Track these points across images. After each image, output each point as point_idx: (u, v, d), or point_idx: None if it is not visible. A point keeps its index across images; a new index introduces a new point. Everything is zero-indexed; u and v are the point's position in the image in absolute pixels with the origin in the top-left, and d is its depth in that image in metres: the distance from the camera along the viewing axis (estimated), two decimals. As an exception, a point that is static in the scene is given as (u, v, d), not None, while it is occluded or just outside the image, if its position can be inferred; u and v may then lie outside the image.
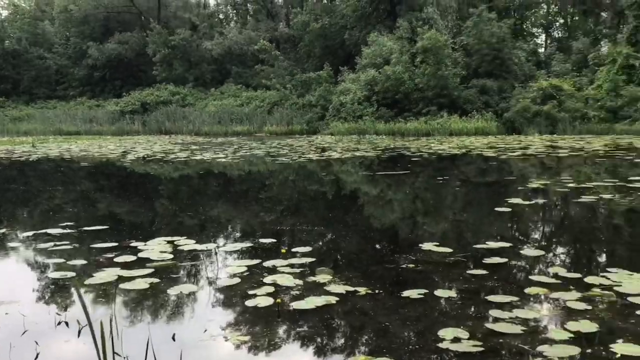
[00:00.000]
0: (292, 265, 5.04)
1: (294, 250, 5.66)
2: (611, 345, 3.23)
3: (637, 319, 3.63)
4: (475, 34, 32.30)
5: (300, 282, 4.54)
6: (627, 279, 4.41)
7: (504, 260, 5.12)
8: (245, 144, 25.45)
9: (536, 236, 6.68)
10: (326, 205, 9.58)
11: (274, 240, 6.17)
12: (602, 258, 5.67)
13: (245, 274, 4.83)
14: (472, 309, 3.93)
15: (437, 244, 5.75)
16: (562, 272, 4.71)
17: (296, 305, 4.01)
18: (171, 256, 5.43)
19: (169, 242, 6.00)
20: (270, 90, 39.79)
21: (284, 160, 16.52)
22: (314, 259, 5.30)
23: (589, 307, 3.83)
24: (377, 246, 6.28)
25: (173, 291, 4.40)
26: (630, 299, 3.98)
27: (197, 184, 12.73)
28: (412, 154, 17.93)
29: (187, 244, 5.91)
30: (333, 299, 4.10)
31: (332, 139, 28.18)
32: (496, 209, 7.86)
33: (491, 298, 4.09)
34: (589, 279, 4.44)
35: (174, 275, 4.85)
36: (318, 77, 36.58)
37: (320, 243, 6.31)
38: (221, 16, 59.75)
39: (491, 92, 31.08)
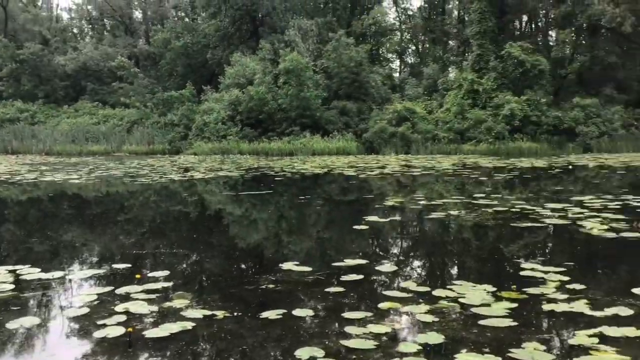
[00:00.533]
0: (147, 291, 4.84)
1: (151, 275, 5.45)
2: (455, 355, 3.43)
3: (479, 329, 3.88)
4: (335, 58, 33.38)
5: (155, 308, 4.37)
6: (471, 291, 4.71)
7: (361, 277, 5.28)
8: (102, 164, 24.25)
9: (391, 252, 6.97)
10: (189, 227, 9.36)
11: (130, 265, 5.91)
12: (449, 271, 6.04)
13: (95, 302, 4.56)
14: (329, 327, 4.00)
15: (298, 263, 5.81)
16: (413, 286, 4.94)
17: (150, 333, 3.84)
18: (12, 287, 5.00)
19: (10, 271, 5.53)
20: (130, 108, 38.35)
21: (144, 180, 15.94)
22: (171, 283, 5.14)
23: (437, 319, 4.05)
24: (239, 267, 6.23)
25: (12, 325, 4.05)
26: (473, 309, 4.26)
27: (47, 208, 11.90)
28: (275, 173, 18.07)
29: (31, 272, 5.48)
30: (189, 325, 3.98)
31: (195, 158, 27.68)
32: (355, 227, 8.10)
33: (347, 315, 4.19)
34: (437, 292, 4.69)
35: (15, 308, 4.47)
36: (180, 96, 35.83)
37: (180, 266, 6.13)
38: (75, 30, 56.71)
39: (351, 114, 32.22)
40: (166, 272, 5.52)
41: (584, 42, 32.38)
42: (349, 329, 3.88)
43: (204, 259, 6.57)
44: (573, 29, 32.13)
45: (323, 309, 4.40)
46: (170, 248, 7.18)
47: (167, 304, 4.49)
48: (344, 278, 5.23)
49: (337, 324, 4.03)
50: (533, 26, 37.66)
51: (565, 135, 28.33)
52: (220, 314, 4.22)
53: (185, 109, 34.37)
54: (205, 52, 40.82)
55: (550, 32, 37.12)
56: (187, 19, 48.34)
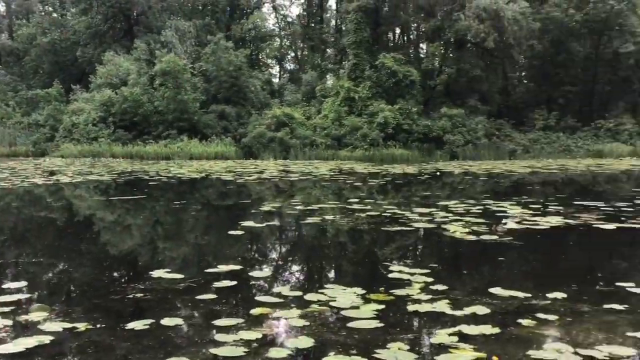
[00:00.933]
0: (1, 304, 4.48)
1: (5, 286, 5.06)
2: (323, 359, 3.48)
3: (348, 331, 3.97)
4: (213, 61, 33.01)
5: (9, 322, 4.06)
6: (342, 294, 4.81)
7: (234, 283, 5.23)
8: (-44, 166, 22.25)
9: (266, 257, 6.97)
10: (54, 234, 8.80)
11: (-18, 277, 5.45)
12: (322, 275, 6.14)
13: (-61, 319, 4.16)
14: (199, 336, 3.91)
15: (169, 270, 5.64)
16: (286, 291, 4.97)
17: (1, 349, 3.56)
18: None
19: None
20: (-11, 106, 35.60)
21: (4, 185, 14.81)
22: (30, 295, 4.80)
23: (307, 323, 4.09)
24: (106, 276, 5.94)
25: None
26: (343, 312, 4.35)
27: None
28: (150, 177, 17.50)
29: None
30: (47, 339, 3.73)
31: (62, 161, 26.12)
32: (230, 232, 8.01)
33: (218, 322, 4.12)
34: (309, 296, 4.75)
35: None
36: (47, 95, 33.77)
37: (42, 276, 5.74)
38: None
39: (230, 118, 31.99)
40: (23, 283, 5.15)
41: (451, 55, 34.36)
42: (219, 337, 3.82)
43: (68, 269, 6.21)
44: (442, 42, 34.03)
45: (194, 317, 4.31)
46: (31, 257, 6.71)
47: (24, 317, 4.19)
48: (217, 284, 5.15)
49: (207, 332, 3.96)
50: (405, 38, 39.42)
51: (434, 143, 29.91)
52: (82, 326, 4.00)
53: (52, 109, 32.45)
54: (75, 50, 38.83)
55: (421, 45, 39.10)
56: (55, 14, 45.71)
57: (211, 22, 38.90)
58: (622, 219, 8.85)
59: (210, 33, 36.31)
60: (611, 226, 8.16)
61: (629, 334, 3.89)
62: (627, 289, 5.00)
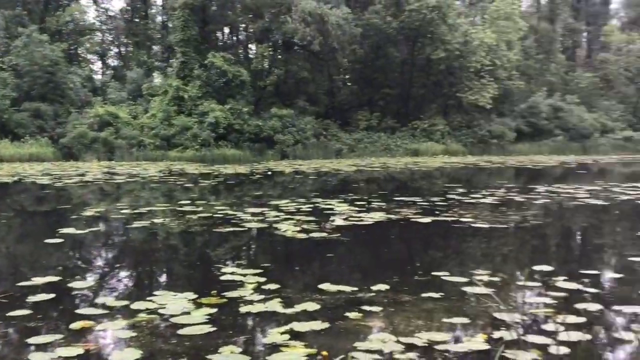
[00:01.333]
0: None
1: None
2: (152, 369, 3.32)
3: (178, 339, 3.82)
4: (26, 55, 30.43)
5: None
6: (172, 300, 4.64)
7: (51, 296, 4.82)
8: None
9: (88, 266, 6.53)
10: None
11: None
12: (152, 282, 5.89)
13: None
14: (11, 356, 3.54)
15: (-27, 286, 5.06)
16: (111, 301, 4.68)
17: None
18: None
19: None
20: None
21: None
22: None
23: (135, 334, 3.88)
24: None
25: None
26: (173, 319, 4.18)
27: None
28: (-49, 183, 15.67)
29: None
30: None
31: None
32: (47, 240, 7.39)
33: (33, 340, 3.76)
34: (137, 305, 4.51)
35: None
36: None
37: None
38: None
39: (46, 117, 29.71)
40: None
41: (280, 56, 35.01)
42: (34, 356, 3.49)
43: None
44: (270, 44, 34.52)
45: (5, 336, 3.89)
46: None
47: None
48: (32, 299, 4.71)
49: (21, 351, 3.59)
50: (235, 38, 39.40)
51: (265, 143, 30.30)
52: None
53: None
54: None
55: (250, 45, 39.31)
56: None
57: (23, 13, 35.75)
58: (437, 212, 9.61)
59: (21, 25, 33.37)
60: (427, 220, 8.82)
61: (444, 320, 4.19)
62: (442, 277, 5.41)
